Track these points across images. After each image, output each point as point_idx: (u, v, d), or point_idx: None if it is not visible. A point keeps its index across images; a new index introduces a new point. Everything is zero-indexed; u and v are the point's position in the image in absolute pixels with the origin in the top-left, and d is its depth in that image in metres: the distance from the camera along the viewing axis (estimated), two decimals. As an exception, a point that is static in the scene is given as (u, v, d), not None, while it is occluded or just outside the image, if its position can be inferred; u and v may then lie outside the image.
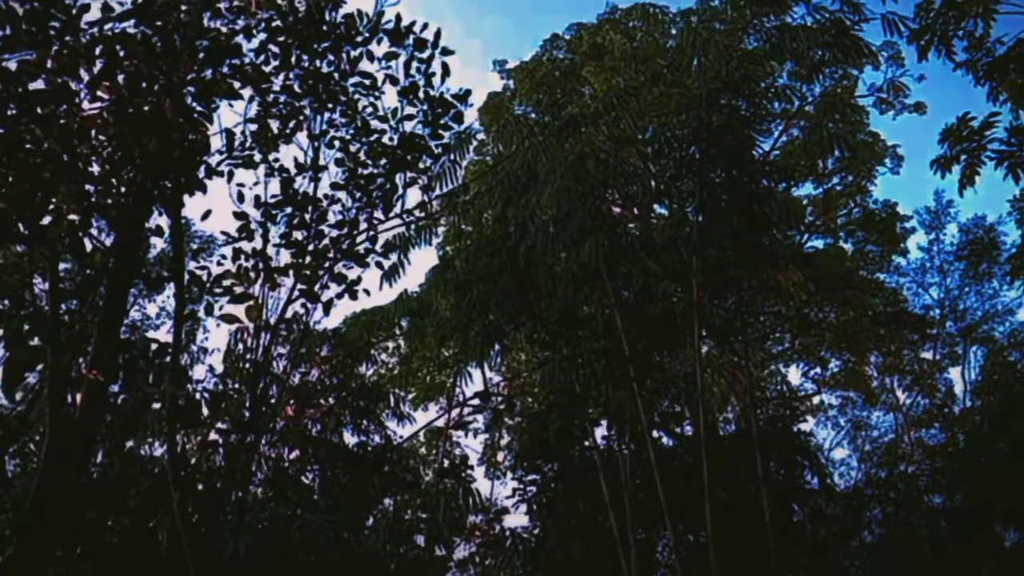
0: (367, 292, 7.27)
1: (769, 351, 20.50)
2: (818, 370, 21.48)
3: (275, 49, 7.24)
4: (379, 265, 7.34)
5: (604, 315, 14.16)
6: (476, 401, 17.11)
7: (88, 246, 6.84)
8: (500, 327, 14.89)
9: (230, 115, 7.93)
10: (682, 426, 16.02)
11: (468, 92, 7.55)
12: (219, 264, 6.98)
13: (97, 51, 6.55)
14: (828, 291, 17.58)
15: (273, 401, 10.20)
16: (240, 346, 11.55)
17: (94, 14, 6.42)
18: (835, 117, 18.55)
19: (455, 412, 17.96)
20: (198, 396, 8.99)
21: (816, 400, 23.53)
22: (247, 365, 9.06)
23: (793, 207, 17.11)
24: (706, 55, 14.78)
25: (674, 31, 19.03)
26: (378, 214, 7.30)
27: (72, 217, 6.62)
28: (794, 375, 22.15)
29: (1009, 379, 17.84)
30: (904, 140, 25.79)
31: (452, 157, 14.33)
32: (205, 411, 8.58)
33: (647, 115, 15.97)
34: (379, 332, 17.57)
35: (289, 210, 7.09)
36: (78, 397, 6.34)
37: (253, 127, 7.39)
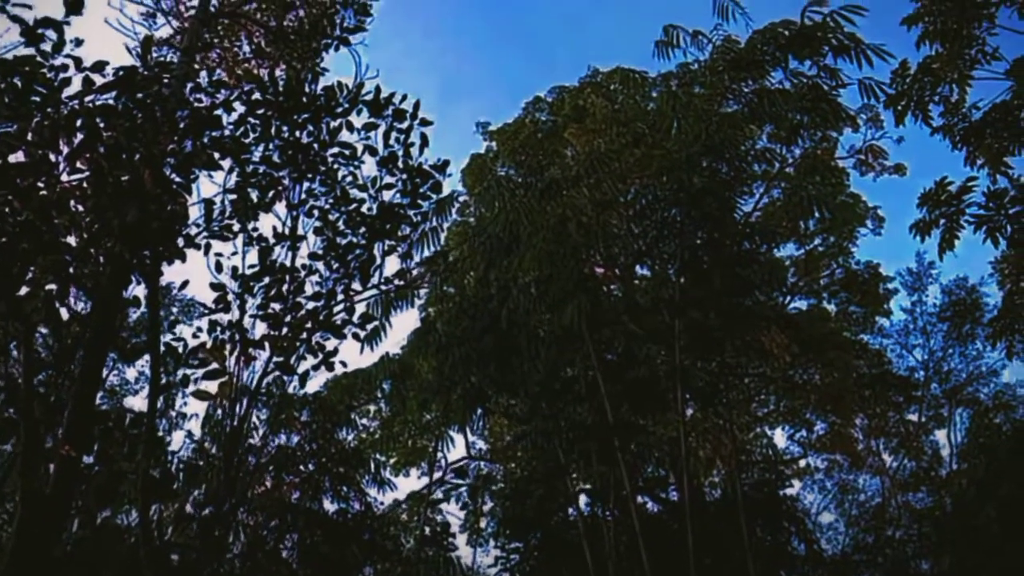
0: (343, 364, 7.19)
1: (754, 413, 20.40)
2: (804, 433, 21.35)
3: (255, 120, 7.27)
4: (356, 336, 7.27)
5: (588, 377, 14.10)
6: (453, 475, 16.91)
7: (64, 313, 6.78)
8: (483, 390, 14.78)
9: (208, 184, 7.93)
10: (667, 491, 15.86)
11: (446, 163, 7.59)
12: (195, 336, 6.89)
13: (78, 123, 6.55)
14: (812, 353, 17.56)
15: (252, 468, 10.03)
16: (219, 411, 11.43)
17: (75, 86, 6.44)
18: (816, 179, 18.77)
19: (435, 482, 17.68)
20: (173, 468, 8.86)
21: (802, 463, 23.37)
22: (225, 432, 8.93)
23: (775, 268, 17.19)
24: (686, 119, 14.98)
25: (655, 94, 19.25)
26: (356, 285, 7.26)
27: (50, 287, 6.55)
28: (780, 438, 22.07)
29: (995, 442, 17.80)
30: (885, 200, 26.01)
31: (434, 223, 14.41)
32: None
33: (629, 176, 16.08)
34: (361, 395, 17.38)
35: (266, 280, 7.04)
36: (51, 468, 6.23)
37: (232, 197, 7.38)
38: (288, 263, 7.22)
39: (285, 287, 7.00)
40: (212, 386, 6.78)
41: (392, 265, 10.24)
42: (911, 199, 12.53)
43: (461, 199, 18.76)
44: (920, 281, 22.68)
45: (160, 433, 13.50)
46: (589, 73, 20.79)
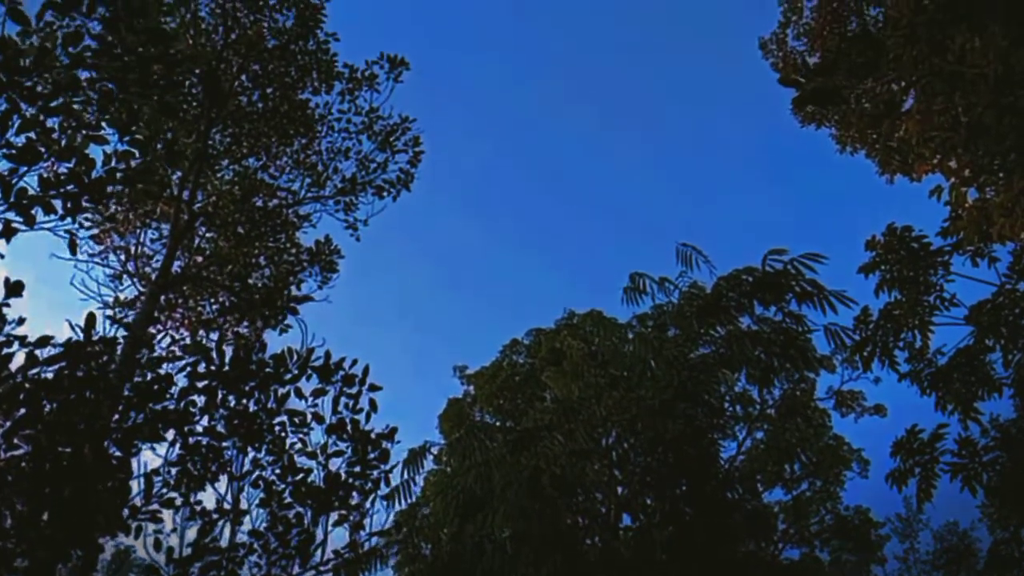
0: (280, 658, 6.64)
1: None
2: None
3: (200, 391, 7.15)
4: (293, 623, 6.75)
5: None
6: None
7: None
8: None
9: (150, 454, 7.69)
10: None
11: (394, 430, 7.40)
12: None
13: (20, 397, 6.44)
14: (808, 607, 16.64)
15: None
16: None
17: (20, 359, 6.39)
18: (797, 421, 18.57)
19: None
20: None
21: None
22: None
23: (763, 516, 16.62)
24: (659, 364, 14.94)
25: (631, 335, 19.38)
26: (296, 568, 6.83)
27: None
28: None
29: None
30: (869, 441, 25.60)
31: (406, 476, 14.01)
32: None
33: (608, 422, 15.82)
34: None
35: (203, 562, 6.62)
36: None
37: (175, 468, 7.12)
38: (229, 537, 6.86)
39: (223, 570, 6.59)
40: None
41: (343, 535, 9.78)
42: (895, 436, 12.24)
43: (434, 449, 18.33)
44: (911, 527, 21.90)
45: None
46: (565, 315, 21.12)
